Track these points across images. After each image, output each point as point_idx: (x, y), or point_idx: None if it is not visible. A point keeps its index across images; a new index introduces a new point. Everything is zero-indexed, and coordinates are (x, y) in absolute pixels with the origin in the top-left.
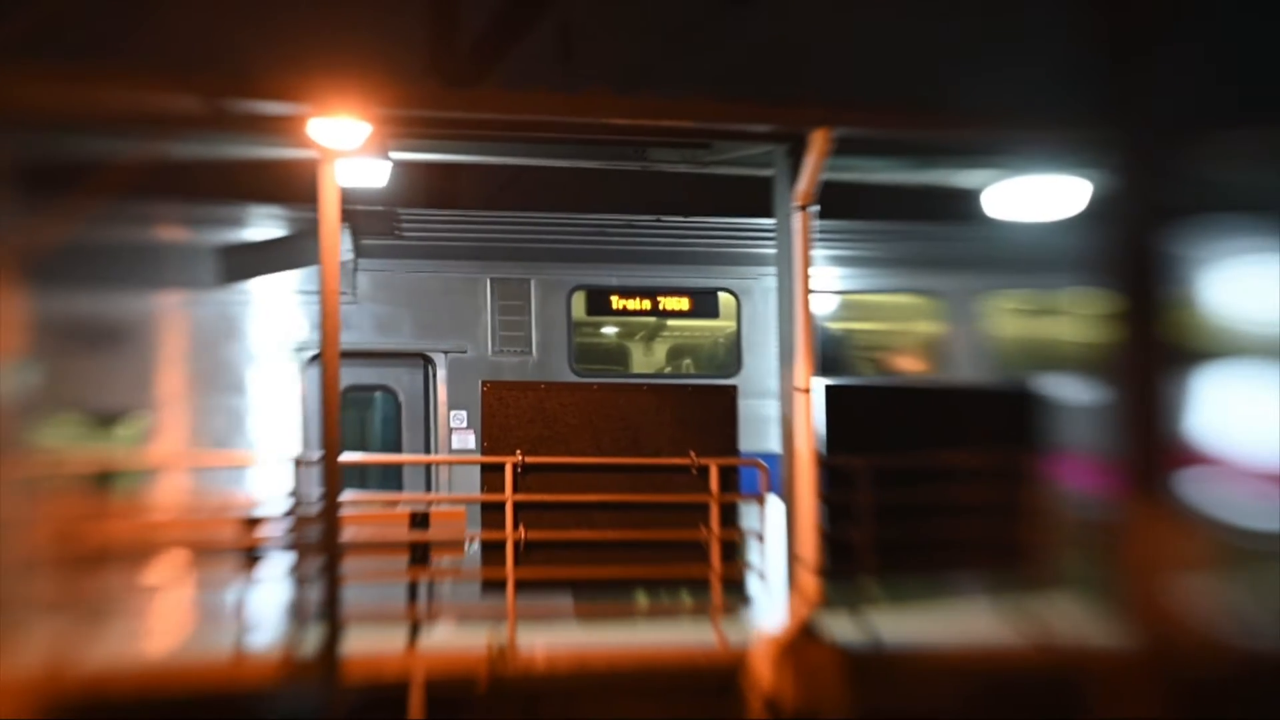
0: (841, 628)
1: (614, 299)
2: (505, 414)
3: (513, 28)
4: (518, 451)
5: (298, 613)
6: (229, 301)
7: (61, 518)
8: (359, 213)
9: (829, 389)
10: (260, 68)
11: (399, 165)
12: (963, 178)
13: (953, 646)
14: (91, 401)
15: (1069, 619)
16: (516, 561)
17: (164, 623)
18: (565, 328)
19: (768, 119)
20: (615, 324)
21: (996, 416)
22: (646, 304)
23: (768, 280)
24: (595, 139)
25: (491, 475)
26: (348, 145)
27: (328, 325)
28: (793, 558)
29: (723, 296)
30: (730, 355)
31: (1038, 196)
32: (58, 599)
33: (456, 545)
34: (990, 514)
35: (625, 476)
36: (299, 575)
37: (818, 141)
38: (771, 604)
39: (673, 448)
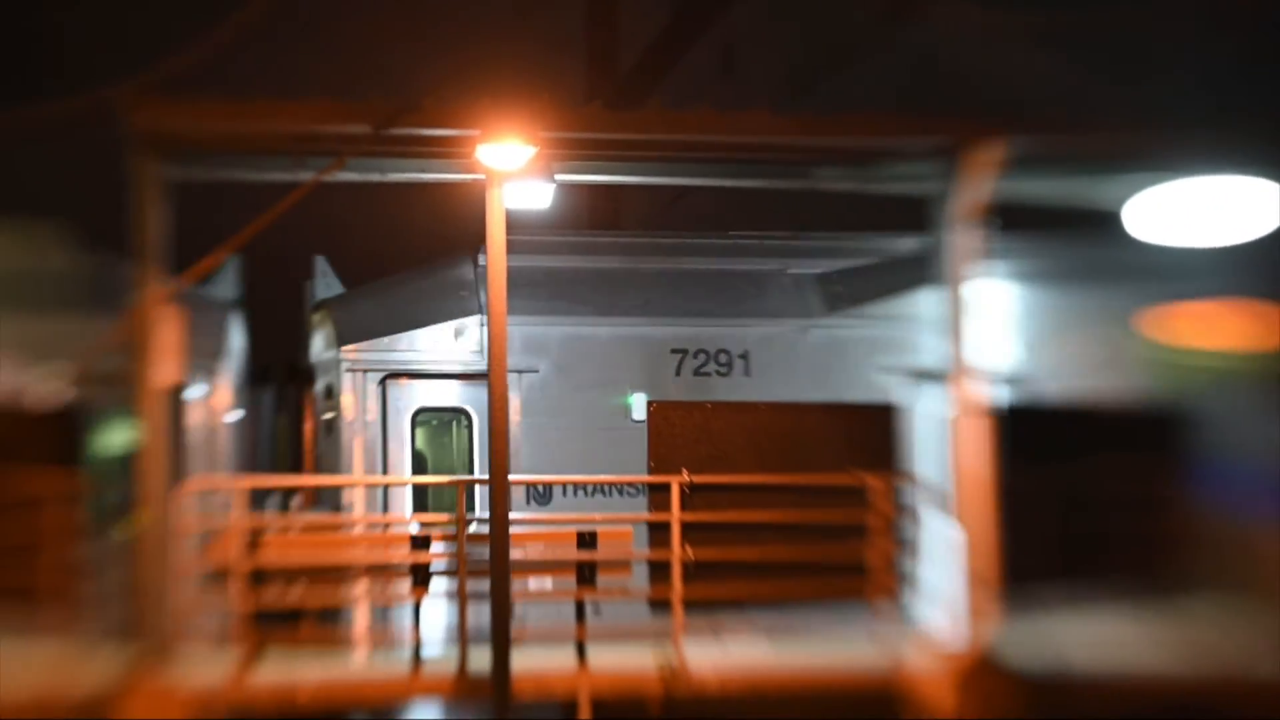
0: (1019, 649)
1: None
2: (672, 434)
3: (673, 47)
4: (684, 471)
5: (468, 630)
6: (839, 327)
7: (242, 534)
8: None
9: (1010, 410)
10: (428, 94)
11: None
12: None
13: (1128, 673)
14: None
15: (1237, 642)
16: (683, 580)
17: (342, 637)
18: None
19: (935, 132)
20: None
21: (1159, 435)
22: None
23: None
24: (759, 157)
25: (658, 495)
26: (514, 168)
27: (495, 349)
28: (972, 580)
29: None
30: None
31: (1206, 205)
32: (240, 613)
33: (624, 565)
34: (1153, 535)
35: (789, 495)
36: (469, 593)
37: (987, 155)
38: (939, 624)
39: (837, 467)
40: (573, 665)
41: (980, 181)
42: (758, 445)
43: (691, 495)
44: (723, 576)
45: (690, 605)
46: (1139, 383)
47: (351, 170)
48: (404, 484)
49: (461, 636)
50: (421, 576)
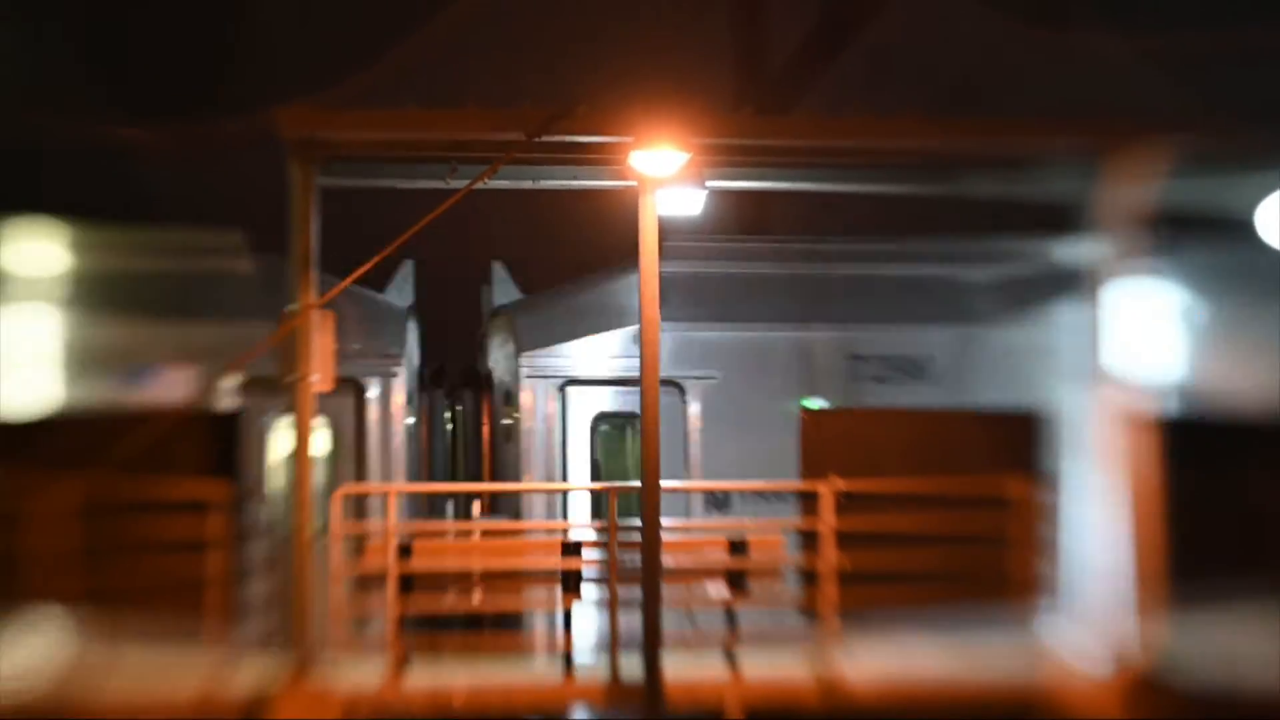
0: (1183, 663)
1: None
2: (822, 441)
3: (821, 53)
4: (834, 478)
5: (620, 637)
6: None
7: (394, 540)
8: None
9: (1170, 418)
10: (581, 102)
11: None
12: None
13: None
14: None
15: None
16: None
17: (494, 643)
18: None
19: (1087, 134)
20: None
21: None
22: None
23: None
24: (909, 163)
25: (809, 502)
26: (667, 174)
27: (647, 352)
28: (1136, 593)
29: None
30: None
31: None
32: (393, 618)
33: (775, 572)
34: None
35: (938, 502)
36: (620, 600)
37: (1139, 158)
38: (1099, 637)
39: (988, 474)
40: (724, 673)
41: (1132, 185)
42: (908, 452)
43: (846, 502)
44: (872, 583)
45: (841, 613)
46: None
47: (504, 177)
48: (559, 490)
49: (613, 643)
50: (573, 583)
